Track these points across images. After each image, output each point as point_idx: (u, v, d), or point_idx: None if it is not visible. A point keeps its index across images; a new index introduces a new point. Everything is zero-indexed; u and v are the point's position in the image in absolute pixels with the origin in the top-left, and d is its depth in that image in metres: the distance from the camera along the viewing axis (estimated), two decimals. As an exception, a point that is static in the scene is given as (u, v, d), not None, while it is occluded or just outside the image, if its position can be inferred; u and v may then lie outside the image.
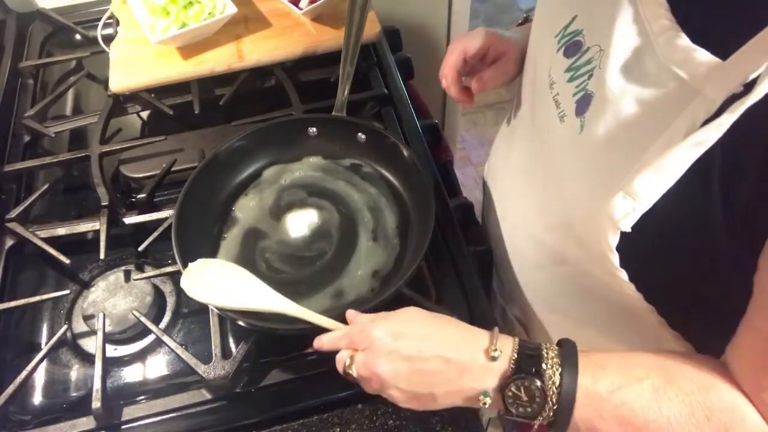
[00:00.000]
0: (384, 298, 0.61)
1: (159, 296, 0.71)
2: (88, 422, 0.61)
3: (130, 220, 0.77)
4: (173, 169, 0.81)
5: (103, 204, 0.76)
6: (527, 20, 0.74)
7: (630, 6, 0.46)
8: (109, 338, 0.67)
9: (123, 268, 0.74)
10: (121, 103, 0.91)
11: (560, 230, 0.58)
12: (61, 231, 0.76)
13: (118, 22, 0.97)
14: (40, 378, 0.67)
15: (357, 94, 0.87)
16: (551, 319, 0.70)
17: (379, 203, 0.76)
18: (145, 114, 0.94)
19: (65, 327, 0.67)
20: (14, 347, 0.69)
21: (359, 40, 0.78)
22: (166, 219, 0.75)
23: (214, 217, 0.74)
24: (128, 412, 0.62)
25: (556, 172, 0.58)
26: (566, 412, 0.45)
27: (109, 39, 0.95)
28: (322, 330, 0.56)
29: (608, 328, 0.61)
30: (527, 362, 0.46)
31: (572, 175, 0.53)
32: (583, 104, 0.51)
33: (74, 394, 0.66)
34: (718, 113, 0.38)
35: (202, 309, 0.67)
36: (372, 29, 0.93)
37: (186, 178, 0.72)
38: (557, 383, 0.45)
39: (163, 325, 0.70)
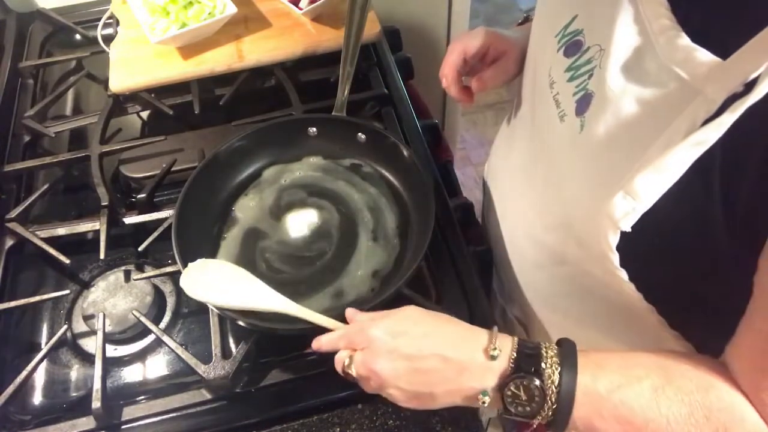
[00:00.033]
0: (384, 298, 0.61)
1: (159, 296, 0.71)
2: (88, 422, 0.61)
3: (130, 220, 0.77)
4: (173, 169, 0.81)
5: (103, 204, 0.76)
6: (527, 20, 0.74)
7: (630, 5, 0.46)
8: (109, 338, 0.67)
9: (123, 268, 0.74)
10: (121, 103, 0.91)
11: (560, 230, 0.58)
12: (61, 231, 0.76)
13: (118, 22, 0.97)
14: (40, 378, 0.67)
15: (357, 94, 0.87)
16: (551, 319, 0.70)
17: (379, 203, 0.76)
18: (145, 114, 0.94)
19: (65, 327, 0.67)
20: (14, 347, 0.69)
21: (359, 40, 0.78)
22: (166, 219, 0.75)
23: (214, 217, 0.74)
24: (128, 412, 0.62)
25: (556, 171, 0.58)
26: (565, 411, 0.45)
27: (109, 39, 0.95)
28: (323, 330, 0.56)
29: (608, 328, 0.61)
30: (526, 361, 0.46)
31: (572, 175, 0.53)
32: (583, 104, 0.51)
33: (74, 394, 0.66)
34: (718, 113, 0.38)
35: (202, 309, 0.67)
36: (372, 29, 0.93)
37: (186, 178, 0.72)
38: (556, 382, 0.45)
39: (163, 325, 0.70)
